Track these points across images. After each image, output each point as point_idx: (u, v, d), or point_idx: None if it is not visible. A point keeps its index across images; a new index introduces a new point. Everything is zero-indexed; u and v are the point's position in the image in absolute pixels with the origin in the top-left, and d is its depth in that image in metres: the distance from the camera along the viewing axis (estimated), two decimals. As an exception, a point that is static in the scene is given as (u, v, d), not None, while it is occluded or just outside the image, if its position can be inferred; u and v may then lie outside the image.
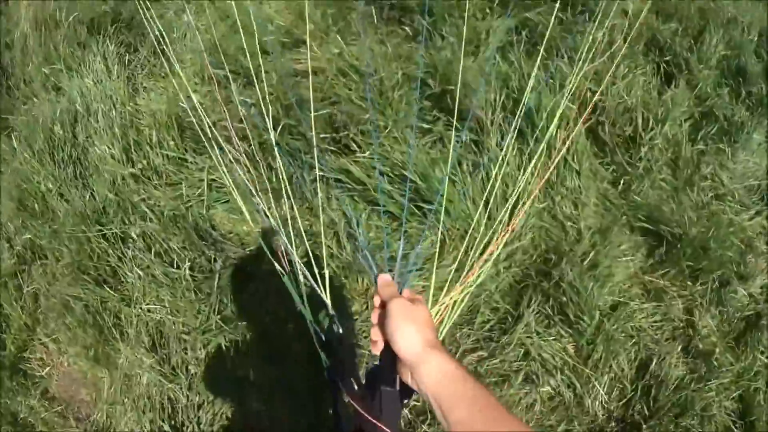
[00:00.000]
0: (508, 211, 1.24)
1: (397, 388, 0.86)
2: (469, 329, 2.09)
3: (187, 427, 2.03)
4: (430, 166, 2.20)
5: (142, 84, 2.85)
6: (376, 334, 0.87)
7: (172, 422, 2.05)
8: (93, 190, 2.46)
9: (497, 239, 1.11)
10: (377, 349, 0.87)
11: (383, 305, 0.86)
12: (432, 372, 0.77)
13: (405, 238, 2.15)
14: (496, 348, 2.05)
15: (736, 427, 2.14)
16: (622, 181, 2.39)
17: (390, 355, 0.84)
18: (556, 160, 1.93)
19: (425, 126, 2.42)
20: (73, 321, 2.16)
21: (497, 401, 0.76)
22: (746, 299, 2.26)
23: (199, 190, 2.39)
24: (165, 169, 2.46)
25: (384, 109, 2.41)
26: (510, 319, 2.10)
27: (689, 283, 2.20)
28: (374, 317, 0.88)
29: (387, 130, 2.31)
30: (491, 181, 2.04)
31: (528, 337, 2.05)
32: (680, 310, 2.20)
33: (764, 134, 2.57)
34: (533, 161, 1.24)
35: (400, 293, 0.89)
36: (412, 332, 0.80)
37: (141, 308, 2.17)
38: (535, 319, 2.06)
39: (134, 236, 2.27)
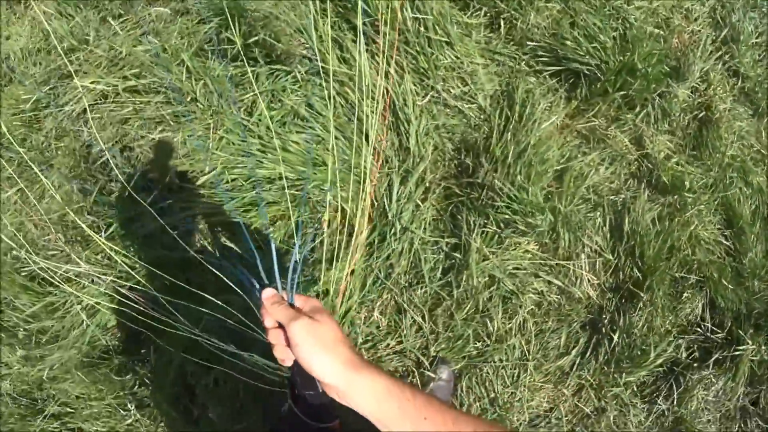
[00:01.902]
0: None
1: (320, 390, 0.77)
2: (422, 285, 1.73)
3: None
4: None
5: None
6: (280, 352, 0.77)
7: None
8: None
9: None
10: (289, 364, 0.78)
11: (279, 324, 0.77)
12: (364, 394, 0.71)
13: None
14: (459, 292, 1.72)
15: (726, 238, 1.95)
16: (501, 23, 1.91)
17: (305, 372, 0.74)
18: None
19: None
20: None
21: (442, 404, 0.72)
22: (689, 96, 1.96)
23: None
24: None
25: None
26: (458, 253, 1.75)
27: (626, 112, 1.86)
28: (273, 338, 0.77)
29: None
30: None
31: (485, 261, 1.72)
32: (628, 145, 1.88)
33: None
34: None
35: (292, 304, 0.79)
36: (328, 358, 0.72)
37: None
38: (483, 241, 1.71)
39: None
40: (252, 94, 1.84)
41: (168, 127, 1.86)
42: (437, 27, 1.78)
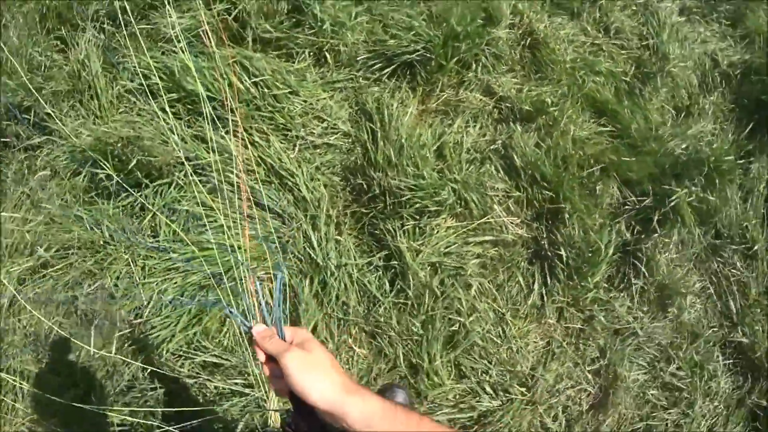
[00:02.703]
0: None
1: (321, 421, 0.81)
2: (379, 304, 1.85)
3: None
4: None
5: None
6: (276, 383, 0.82)
7: None
8: None
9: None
10: (285, 395, 0.82)
11: (272, 358, 0.81)
12: (358, 417, 0.74)
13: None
14: (412, 292, 1.84)
15: (605, 125, 2.14)
16: (326, 55, 2.12)
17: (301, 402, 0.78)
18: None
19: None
20: None
21: (434, 422, 0.76)
22: (509, 33, 2.18)
23: None
24: None
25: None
26: (394, 261, 1.88)
27: (467, 73, 2.06)
28: (268, 371, 0.83)
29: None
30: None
31: (419, 254, 1.86)
32: (482, 99, 2.08)
33: None
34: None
35: (283, 337, 0.84)
36: (321, 384, 0.76)
37: None
38: (408, 238, 1.85)
39: None
40: (151, 214, 1.98)
41: (95, 276, 1.97)
42: (277, 83, 1.97)
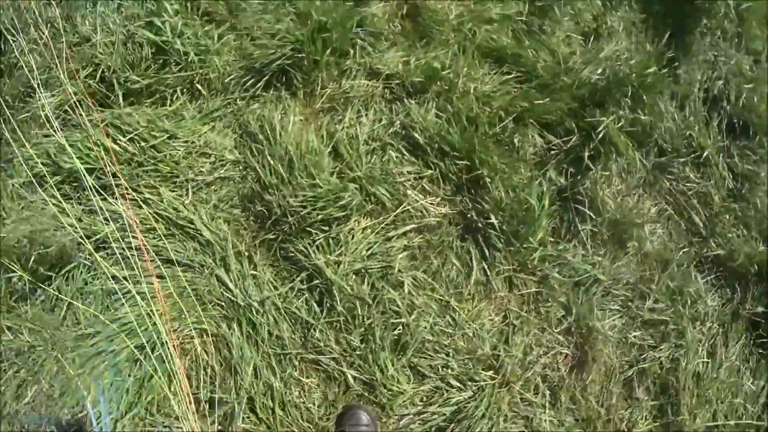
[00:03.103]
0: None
1: None
2: (313, 328, 1.74)
3: None
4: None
5: None
6: None
7: None
8: None
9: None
10: None
11: None
12: None
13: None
14: (342, 306, 1.72)
15: (507, 73, 1.98)
16: (198, 87, 1.98)
17: None
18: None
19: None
20: None
21: None
22: (384, 6, 2.04)
23: None
24: None
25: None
26: (316, 279, 1.76)
27: (345, 61, 1.93)
28: None
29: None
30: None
31: (339, 265, 1.74)
32: (368, 84, 1.95)
33: None
34: None
35: None
36: None
37: None
38: (325, 252, 1.73)
39: None
40: (66, 303, 1.89)
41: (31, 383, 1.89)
42: (153, 133, 1.86)
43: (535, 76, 1.99)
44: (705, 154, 2.13)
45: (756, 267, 2.16)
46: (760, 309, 2.15)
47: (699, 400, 2.06)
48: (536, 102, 1.94)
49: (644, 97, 2.03)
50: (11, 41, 2.05)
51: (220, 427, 1.73)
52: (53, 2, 2.10)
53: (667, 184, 2.10)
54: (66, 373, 1.92)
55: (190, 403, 1.76)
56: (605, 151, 1.96)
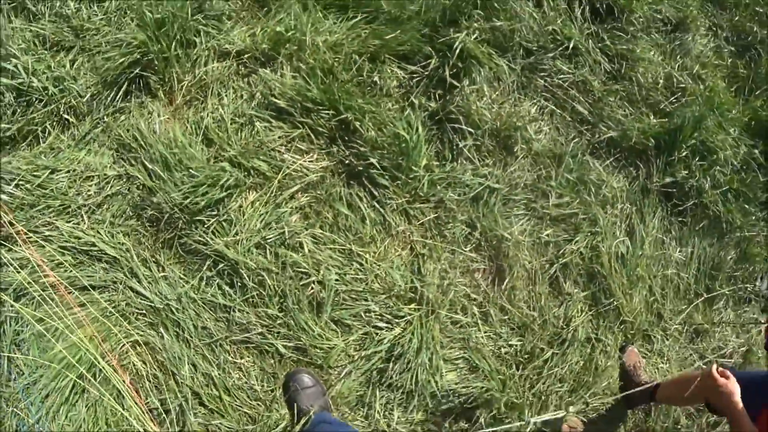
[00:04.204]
0: None
1: None
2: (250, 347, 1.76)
3: None
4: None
5: None
6: None
7: None
8: None
9: None
10: None
11: None
12: None
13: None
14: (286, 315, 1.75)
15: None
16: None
17: None
18: None
19: None
20: None
21: None
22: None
23: None
24: None
25: None
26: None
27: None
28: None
29: None
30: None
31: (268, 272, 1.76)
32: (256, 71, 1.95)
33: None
34: None
35: None
36: None
37: None
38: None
39: None
40: (6, 358, 1.90)
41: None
42: (35, 173, 1.86)
43: (381, 13, 2.01)
44: (572, 44, 2.16)
45: (653, 140, 2.20)
46: (667, 179, 2.20)
47: (630, 280, 2.10)
48: (387, 37, 1.96)
49: (495, 4, 2.06)
50: None
51: (179, 428, 1.75)
52: None
53: (542, 81, 2.13)
54: (25, 421, 1.93)
55: (145, 413, 1.78)
56: (467, 65, 1.99)
